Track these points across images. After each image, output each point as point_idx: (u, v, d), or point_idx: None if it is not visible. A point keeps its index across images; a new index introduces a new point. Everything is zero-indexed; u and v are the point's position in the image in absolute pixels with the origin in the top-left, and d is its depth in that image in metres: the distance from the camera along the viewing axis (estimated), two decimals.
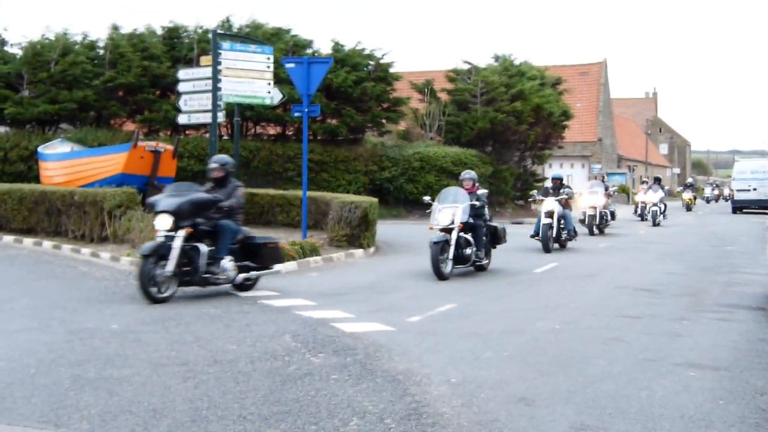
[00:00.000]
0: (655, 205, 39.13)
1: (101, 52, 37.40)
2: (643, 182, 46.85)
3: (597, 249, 24.74)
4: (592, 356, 9.73)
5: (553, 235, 23.42)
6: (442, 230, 17.24)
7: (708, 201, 79.47)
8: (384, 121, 40.08)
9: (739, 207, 55.00)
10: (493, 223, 19.04)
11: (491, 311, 12.89)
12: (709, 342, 10.81)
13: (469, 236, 17.58)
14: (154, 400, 7.55)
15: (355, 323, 11.53)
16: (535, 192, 26.21)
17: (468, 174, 18.81)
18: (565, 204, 24.30)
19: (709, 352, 10.20)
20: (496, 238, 18.78)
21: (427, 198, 18.63)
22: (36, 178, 28.73)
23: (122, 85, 36.20)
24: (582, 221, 31.08)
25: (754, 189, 54.37)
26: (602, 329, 11.49)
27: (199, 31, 38.48)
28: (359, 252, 21.30)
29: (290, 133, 39.47)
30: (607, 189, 32.49)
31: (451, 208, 17.31)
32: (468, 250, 17.46)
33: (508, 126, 42.59)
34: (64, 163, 25.10)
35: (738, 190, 55.20)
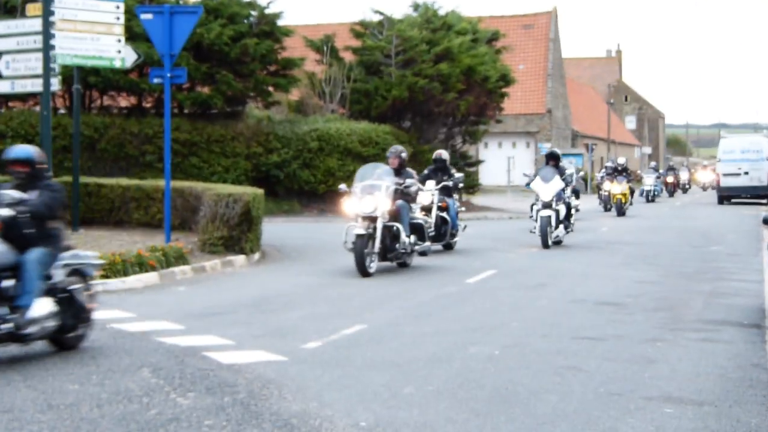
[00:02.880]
0: (548, 206, 25.31)
1: None
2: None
3: (547, 251, 25.03)
4: (541, 390, 9.83)
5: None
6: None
7: (650, 197, 60.24)
8: (271, 88, 39.94)
9: (726, 196, 55.32)
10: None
11: (411, 334, 12.93)
12: (690, 369, 11.02)
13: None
14: None
15: (235, 352, 11.46)
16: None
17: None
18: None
19: (690, 382, 10.40)
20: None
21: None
22: None
23: None
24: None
25: (745, 173, 54.17)
26: (554, 355, 11.62)
27: None
28: (240, 259, 21.18)
29: (148, 105, 38.95)
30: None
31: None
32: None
33: (431, 94, 42.86)
34: None
35: (725, 175, 55.07)
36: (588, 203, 47.55)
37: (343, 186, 20.71)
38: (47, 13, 19.63)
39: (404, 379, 10.19)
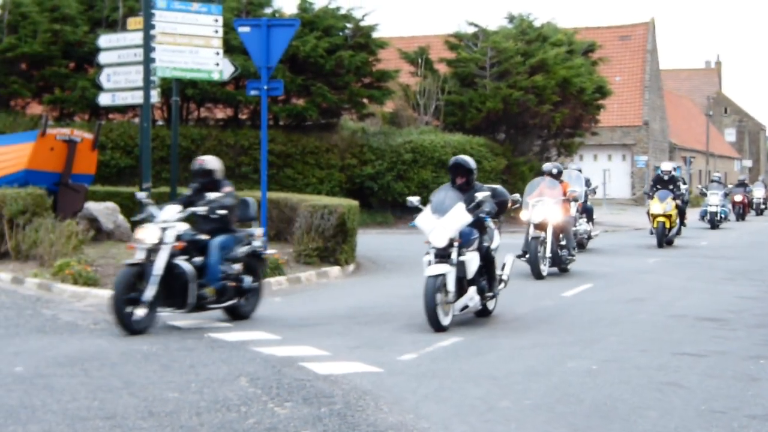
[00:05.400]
0: (443, 256, 14.64)
1: None
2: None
3: (645, 265, 24.77)
4: (641, 406, 9.75)
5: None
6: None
7: (715, 222, 43.49)
8: (365, 100, 40.05)
9: None
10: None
11: (508, 347, 12.91)
12: None
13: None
14: None
15: (331, 363, 11.53)
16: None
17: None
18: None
19: None
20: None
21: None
22: None
23: (26, 55, 36.03)
24: None
25: None
26: (654, 370, 11.52)
27: None
28: (335, 270, 21.26)
29: (244, 116, 39.35)
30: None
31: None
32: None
33: (526, 106, 42.66)
34: None
35: None
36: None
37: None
38: (148, 27, 19.88)
39: (501, 393, 10.17)
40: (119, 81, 21.79)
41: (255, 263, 15.40)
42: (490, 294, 15.40)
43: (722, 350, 12.94)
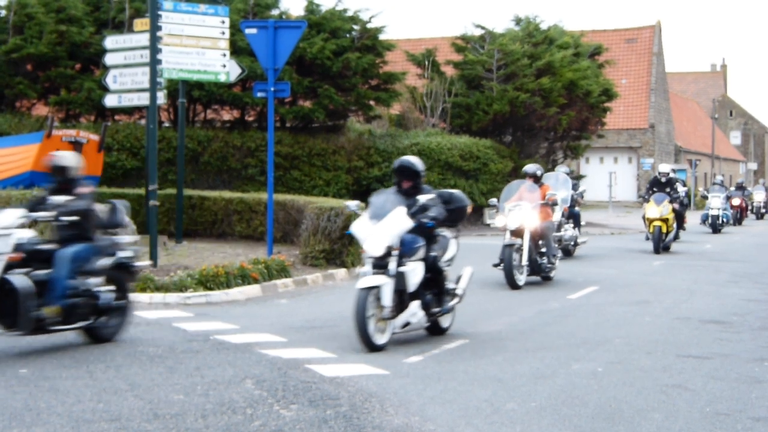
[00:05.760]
0: (381, 266, 13.00)
1: (3, 12, 37.27)
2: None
3: (650, 267, 24.75)
4: (646, 408, 9.75)
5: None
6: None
7: (717, 227, 42.31)
8: (372, 102, 40.04)
9: None
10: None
11: (513, 349, 12.90)
12: None
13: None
14: None
15: (337, 365, 11.54)
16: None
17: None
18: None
19: None
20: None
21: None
22: None
23: (31, 56, 36.06)
24: None
25: None
26: (659, 373, 11.51)
27: None
28: (341, 272, 21.25)
29: (251, 118, 39.34)
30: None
31: None
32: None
33: (532, 109, 42.66)
34: None
35: None
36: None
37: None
38: (154, 28, 19.91)
39: (507, 395, 10.17)
40: (125, 82, 21.84)
41: (121, 277, 13.28)
42: (438, 309, 13.62)
43: (727, 353, 12.93)
